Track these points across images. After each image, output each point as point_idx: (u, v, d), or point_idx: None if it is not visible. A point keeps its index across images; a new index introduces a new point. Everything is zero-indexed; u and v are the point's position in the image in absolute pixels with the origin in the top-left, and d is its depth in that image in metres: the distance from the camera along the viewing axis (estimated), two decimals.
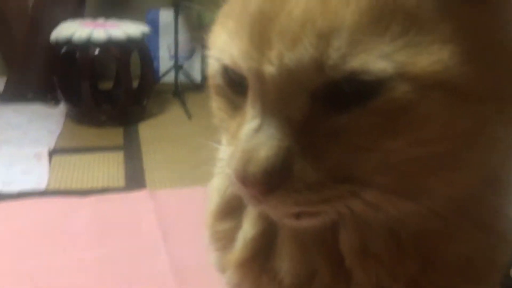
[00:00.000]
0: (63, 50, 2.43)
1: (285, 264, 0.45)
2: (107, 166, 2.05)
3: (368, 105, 0.32)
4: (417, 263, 0.41)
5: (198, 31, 3.29)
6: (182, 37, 3.13)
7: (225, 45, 0.37)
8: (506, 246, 0.43)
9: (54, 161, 2.05)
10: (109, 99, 2.67)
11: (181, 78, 3.03)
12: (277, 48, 0.33)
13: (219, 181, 0.52)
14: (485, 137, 0.35)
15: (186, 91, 3.04)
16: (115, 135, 2.40)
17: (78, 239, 1.50)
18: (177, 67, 2.99)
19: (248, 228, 0.48)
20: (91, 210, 1.66)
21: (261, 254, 0.47)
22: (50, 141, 2.23)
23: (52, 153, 2.11)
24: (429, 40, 0.31)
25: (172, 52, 3.11)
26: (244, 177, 0.35)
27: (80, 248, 1.46)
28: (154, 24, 3.07)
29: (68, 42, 2.37)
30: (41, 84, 2.72)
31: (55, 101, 2.68)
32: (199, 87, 3.19)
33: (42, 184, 1.84)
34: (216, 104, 0.43)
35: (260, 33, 0.34)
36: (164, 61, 3.25)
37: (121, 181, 1.92)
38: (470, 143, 0.35)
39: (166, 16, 3.18)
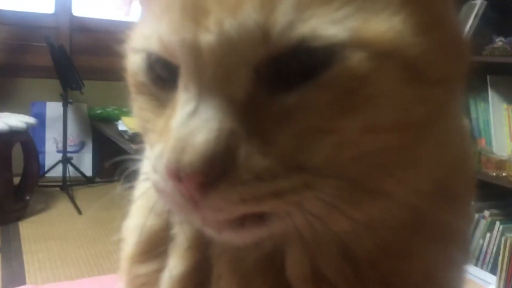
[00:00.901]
0: None
1: None
2: None
3: (319, 80, 0.29)
4: (375, 286, 0.36)
5: (89, 123, 3.19)
6: (71, 129, 3.02)
7: (151, 29, 0.33)
8: (464, 256, 0.41)
9: None
10: None
11: (70, 172, 2.87)
12: (216, 15, 0.29)
13: (136, 218, 0.44)
14: (437, 129, 0.33)
15: (75, 185, 2.88)
16: None
17: None
18: (65, 160, 2.84)
19: (175, 264, 0.40)
20: None
21: None
22: None
23: None
24: (380, 7, 0.30)
25: (60, 145, 2.96)
26: (179, 169, 0.28)
27: None
28: (40, 117, 2.93)
29: None
30: None
31: None
32: (90, 180, 3.04)
33: None
34: (138, 104, 0.37)
35: (194, 3, 0.30)
36: (51, 155, 3.07)
37: None
38: (424, 135, 0.32)
39: (53, 108, 3.06)
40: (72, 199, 2.63)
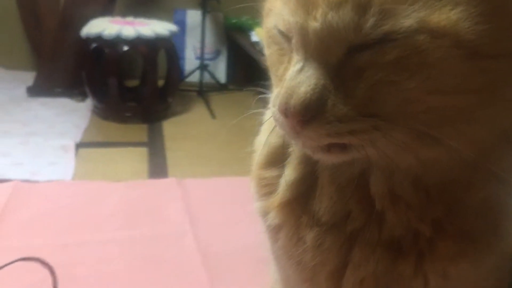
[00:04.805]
0: (93, 46, 2.48)
1: (324, 203, 0.51)
2: (131, 161, 2.09)
3: (387, 45, 0.39)
4: (442, 208, 0.47)
5: (224, 32, 3.32)
6: (208, 38, 3.17)
7: (280, 10, 0.45)
8: None
9: (79, 154, 2.09)
10: (135, 96, 2.70)
11: (206, 78, 3.07)
12: (322, 8, 0.40)
13: (264, 136, 0.58)
14: (501, 96, 0.40)
15: (210, 91, 3.09)
16: (140, 131, 2.44)
17: (109, 219, 1.55)
18: (203, 67, 3.03)
19: (289, 173, 0.54)
20: (121, 194, 1.71)
21: (302, 197, 0.53)
22: (76, 135, 2.27)
23: (78, 146, 2.15)
24: (442, 3, 0.38)
25: (198, 53, 3.15)
26: (286, 109, 0.41)
27: (112, 228, 1.51)
28: (181, 24, 3.11)
29: (98, 38, 2.42)
30: (69, 79, 2.77)
31: (82, 96, 2.73)
32: (224, 87, 3.23)
33: (68, 176, 1.87)
34: (270, 51, 0.50)
35: None
36: (190, 61, 3.29)
37: (144, 176, 1.95)
38: (486, 100, 0.40)
39: (193, 16, 3.23)
40: (207, 104, 2.84)
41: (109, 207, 1.62)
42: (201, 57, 3.04)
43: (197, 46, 3.16)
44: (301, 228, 0.53)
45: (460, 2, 0.38)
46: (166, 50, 2.63)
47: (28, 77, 2.90)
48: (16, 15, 2.96)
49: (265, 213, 0.57)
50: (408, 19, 0.38)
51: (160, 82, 2.69)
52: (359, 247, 0.50)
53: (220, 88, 3.19)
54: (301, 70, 0.42)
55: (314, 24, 0.40)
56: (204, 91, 3.00)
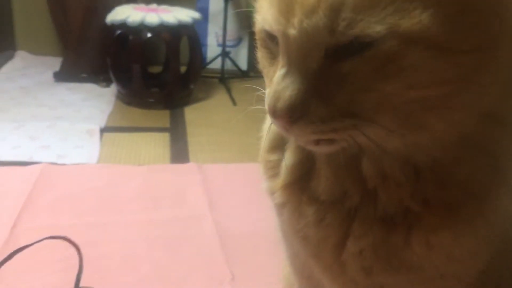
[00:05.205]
0: (117, 32, 2.53)
1: (322, 183, 0.56)
2: (154, 146, 2.14)
3: (364, 55, 0.42)
4: (432, 185, 0.50)
5: (246, 20, 3.34)
6: (231, 25, 3.19)
7: (265, 13, 0.48)
8: (505, 167, 0.51)
9: (104, 138, 2.16)
10: (158, 82, 2.75)
11: (227, 65, 3.09)
12: (298, 16, 0.43)
13: (269, 122, 0.62)
14: (475, 83, 0.43)
15: (232, 78, 3.12)
16: (162, 117, 2.49)
17: (132, 201, 1.62)
18: (224, 54, 3.06)
19: (288, 157, 0.60)
20: (143, 178, 1.77)
21: (302, 178, 0.58)
22: (101, 119, 2.34)
23: (103, 131, 2.22)
24: (413, 6, 0.40)
25: (220, 39, 3.18)
26: (274, 111, 0.45)
27: (135, 209, 1.57)
28: (203, 11, 3.14)
29: (123, 25, 2.47)
30: (95, 65, 2.84)
31: (107, 82, 2.80)
32: (245, 74, 3.25)
33: (93, 159, 1.94)
34: (261, 54, 0.53)
35: (286, 4, 0.44)
36: (212, 48, 3.33)
37: (166, 160, 2.00)
38: (461, 88, 0.43)
39: (215, 3, 3.25)
40: (229, 91, 2.87)
41: (132, 190, 1.68)
42: (223, 44, 3.07)
43: (219, 33, 3.19)
44: (302, 205, 0.57)
45: (430, 4, 0.40)
46: (188, 37, 2.67)
47: (55, 63, 2.98)
48: (43, 2, 3.03)
49: (271, 193, 0.62)
50: (379, 24, 0.40)
51: (183, 69, 2.73)
52: (358, 222, 0.54)
53: (241, 75, 3.21)
54: (285, 75, 0.45)
55: (293, 32, 0.43)
56: (225, 78, 3.02)
